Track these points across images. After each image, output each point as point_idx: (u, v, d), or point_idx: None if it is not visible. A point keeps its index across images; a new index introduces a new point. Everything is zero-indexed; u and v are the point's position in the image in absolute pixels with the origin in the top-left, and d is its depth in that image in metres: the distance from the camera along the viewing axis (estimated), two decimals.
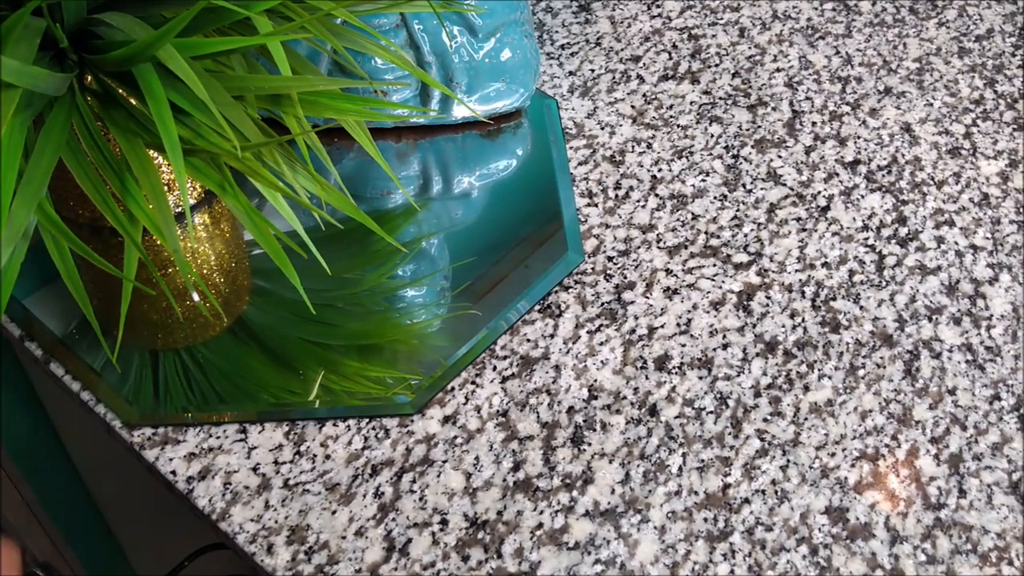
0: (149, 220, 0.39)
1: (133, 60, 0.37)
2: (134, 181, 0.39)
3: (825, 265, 0.56)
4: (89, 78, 0.41)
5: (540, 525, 0.46)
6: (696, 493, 0.47)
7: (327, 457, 0.49)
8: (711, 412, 0.50)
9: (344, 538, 0.46)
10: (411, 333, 0.53)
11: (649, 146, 0.62)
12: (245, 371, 0.51)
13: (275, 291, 0.55)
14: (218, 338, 0.53)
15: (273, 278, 0.55)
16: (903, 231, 0.58)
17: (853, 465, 0.48)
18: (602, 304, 0.54)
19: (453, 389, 0.51)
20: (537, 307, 0.54)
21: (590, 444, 0.49)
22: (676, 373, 0.52)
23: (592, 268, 0.56)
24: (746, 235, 0.58)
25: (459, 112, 0.61)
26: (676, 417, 0.50)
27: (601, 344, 0.53)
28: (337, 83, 0.41)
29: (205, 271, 0.55)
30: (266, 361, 0.52)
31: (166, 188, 0.53)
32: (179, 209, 0.56)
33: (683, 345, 0.53)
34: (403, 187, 0.58)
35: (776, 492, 0.47)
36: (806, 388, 0.51)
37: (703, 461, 0.48)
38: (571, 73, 0.67)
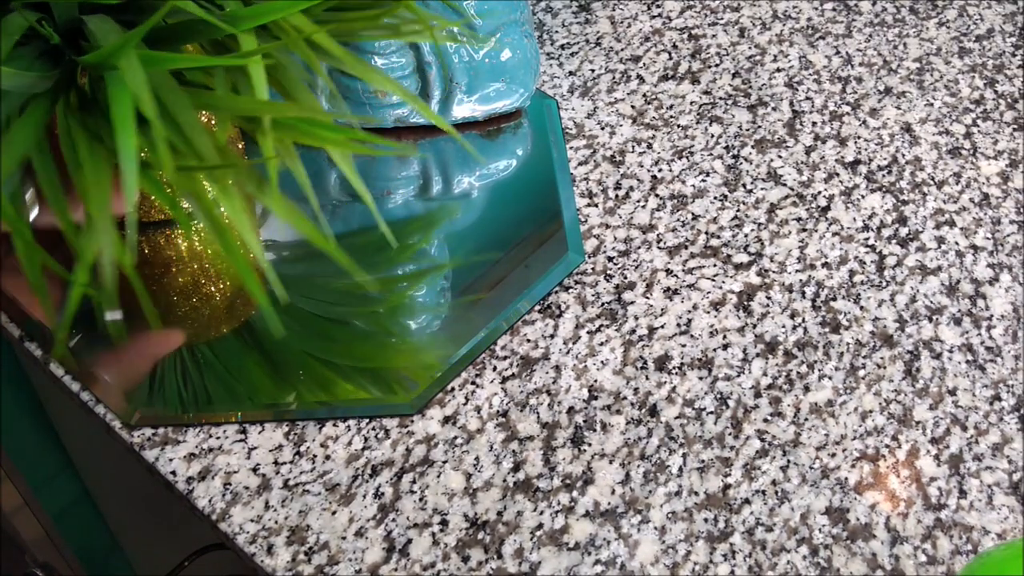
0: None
1: (103, 66, 0.37)
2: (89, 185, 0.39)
3: (825, 265, 0.56)
4: (85, 78, 0.41)
5: (540, 525, 0.46)
6: (696, 493, 0.47)
7: (327, 457, 0.49)
8: (711, 412, 0.50)
9: (344, 538, 0.46)
10: (418, 358, 0.52)
11: (649, 146, 0.62)
12: (243, 377, 0.51)
13: (290, 300, 0.54)
14: (223, 340, 0.53)
15: (288, 285, 0.55)
16: (903, 231, 0.58)
17: (853, 466, 0.48)
18: (602, 304, 0.54)
19: (453, 389, 0.51)
20: (537, 307, 0.54)
21: (590, 444, 0.49)
22: (676, 373, 0.52)
23: (592, 268, 0.56)
24: (746, 235, 0.58)
25: (459, 112, 0.61)
26: (676, 417, 0.50)
27: (601, 344, 0.53)
28: (316, 110, 0.40)
29: (212, 273, 0.55)
30: (265, 372, 0.51)
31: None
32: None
33: (683, 345, 0.53)
34: (379, 216, 0.58)
35: (776, 492, 0.47)
36: (806, 388, 0.51)
37: (703, 461, 0.48)
38: (571, 73, 0.67)
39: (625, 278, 0.56)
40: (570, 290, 0.55)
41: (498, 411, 0.50)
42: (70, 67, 0.40)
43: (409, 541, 0.46)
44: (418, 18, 0.45)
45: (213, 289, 0.54)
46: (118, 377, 0.51)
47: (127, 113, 0.35)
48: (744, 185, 0.60)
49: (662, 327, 0.53)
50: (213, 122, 0.52)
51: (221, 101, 0.39)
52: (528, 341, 0.53)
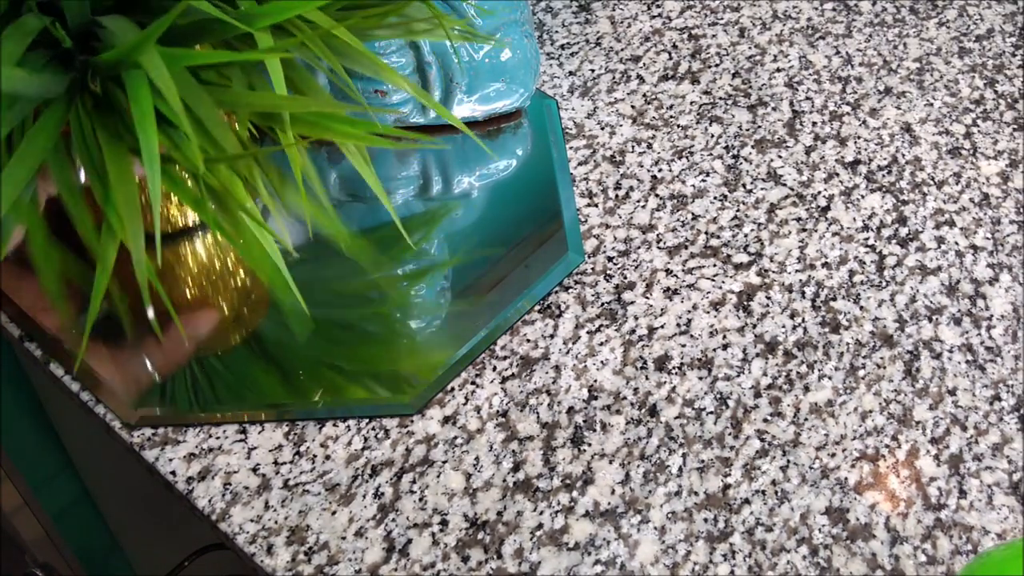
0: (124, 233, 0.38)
1: (121, 65, 0.36)
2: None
3: (825, 265, 0.56)
4: (97, 82, 0.41)
5: (540, 525, 0.46)
6: (696, 493, 0.47)
7: (327, 457, 0.49)
8: (711, 412, 0.50)
9: (344, 538, 0.46)
10: (418, 358, 0.52)
11: (649, 146, 0.62)
12: (249, 383, 0.51)
13: (296, 306, 0.54)
14: (231, 350, 0.52)
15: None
16: (903, 231, 0.58)
17: (853, 465, 0.48)
18: (602, 304, 0.54)
19: (453, 389, 0.51)
20: (537, 307, 0.54)
21: (590, 444, 0.49)
22: (676, 373, 0.52)
23: (592, 268, 0.56)
24: (746, 235, 0.58)
25: (459, 112, 0.61)
26: (676, 417, 0.50)
27: (601, 344, 0.53)
28: (334, 105, 0.40)
29: (219, 285, 0.54)
30: (273, 376, 0.51)
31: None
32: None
33: (683, 345, 0.53)
34: (393, 212, 0.56)
35: (776, 492, 0.47)
36: (806, 388, 0.51)
37: (703, 461, 0.48)
38: (571, 73, 0.67)
39: (625, 278, 0.56)
40: (570, 290, 0.55)
41: (498, 411, 0.50)
42: (82, 70, 0.39)
43: (409, 541, 0.46)
44: (432, 14, 0.44)
45: (220, 301, 0.54)
46: (163, 368, 0.51)
47: (148, 111, 0.35)
48: (744, 185, 0.60)
49: (662, 327, 0.53)
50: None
51: (241, 97, 0.39)
52: (528, 341, 0.53)
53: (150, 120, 0.35)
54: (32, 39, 0.37)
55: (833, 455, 0.49)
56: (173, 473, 0.48)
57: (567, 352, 0.52)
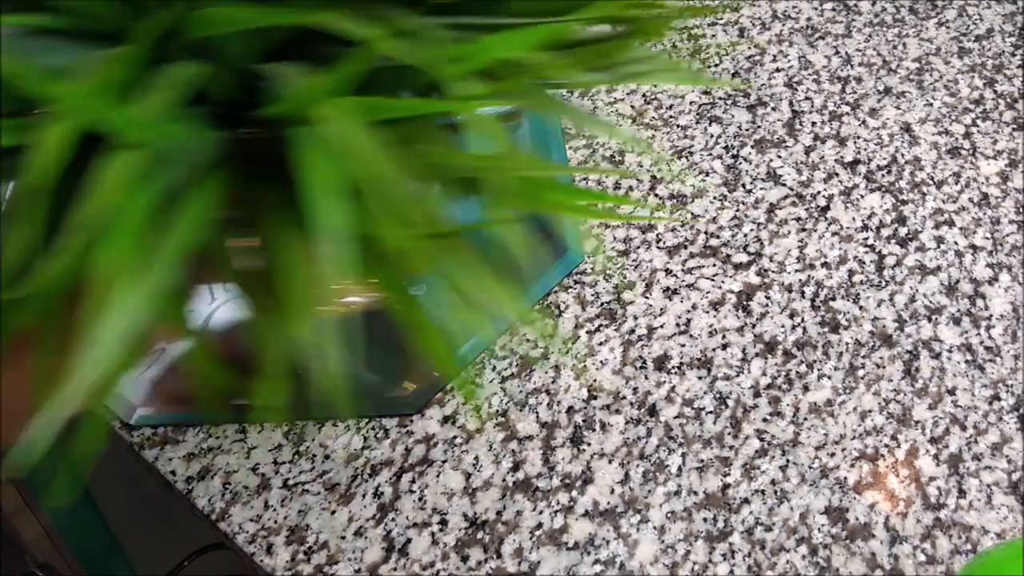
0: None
1: (289, 121, 0.29)
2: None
3: (825, 265, 0.56)
4: (259, 142, 0.32)
5: (539, 525, 0.46)
6: (695, 493, 0.47)
7: (326, 457, 0.49)
8: (710, 412, 0.50)
9: (343, 538, 0.46)
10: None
11: (649, 146, 0.62)
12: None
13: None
14: None
15: None
16: (903, 231, 0.58)
17: (853, 465, 0.48)
18: (601, 304, 0.54)
19: (452, 389, 0.51)
20: (537, 307, 0.54)
21: (589, 444, 0.49)
22: (675, 373, 0.52)
23: (592, 268, 0.56)
24: (746, 235, 0.58)
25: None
26: (675, 417, 0.50)
27: (600, 344, 0.53)
28: (549, 167, 0.31)
29: None
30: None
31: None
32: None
33: (682, 345, 0.53)
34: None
35: (776, 492, 0.47)
36: (805, 388, 0.51)
37: (702, 461, 0.48)
38: None
39: (624, 278, 0.56)
40: (569, 290, 0.55)
41: (497, 411, 0.50)
42: (237, 127, 0.32)
43: (408, 541, 0.46)
44: (664, 57, 0.34)
45: None
46: None
47: (327, 177, 0.28)
48: (744, 185, 0.60)
49: (661, 327, 0.53)
50: None
51: (440, 159, 0.31)
52: (527, 341, 0.53)
53: (331, 189, 0.28)
54: (186, 91, 0.29)
55: (832, 455, 0.49)
56: (173, 473, 0.48)
57: (567, 352, 0.52)
